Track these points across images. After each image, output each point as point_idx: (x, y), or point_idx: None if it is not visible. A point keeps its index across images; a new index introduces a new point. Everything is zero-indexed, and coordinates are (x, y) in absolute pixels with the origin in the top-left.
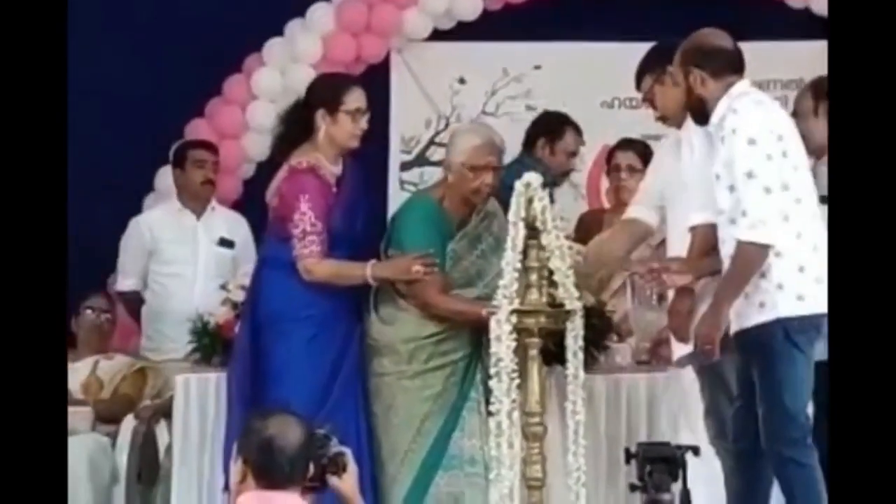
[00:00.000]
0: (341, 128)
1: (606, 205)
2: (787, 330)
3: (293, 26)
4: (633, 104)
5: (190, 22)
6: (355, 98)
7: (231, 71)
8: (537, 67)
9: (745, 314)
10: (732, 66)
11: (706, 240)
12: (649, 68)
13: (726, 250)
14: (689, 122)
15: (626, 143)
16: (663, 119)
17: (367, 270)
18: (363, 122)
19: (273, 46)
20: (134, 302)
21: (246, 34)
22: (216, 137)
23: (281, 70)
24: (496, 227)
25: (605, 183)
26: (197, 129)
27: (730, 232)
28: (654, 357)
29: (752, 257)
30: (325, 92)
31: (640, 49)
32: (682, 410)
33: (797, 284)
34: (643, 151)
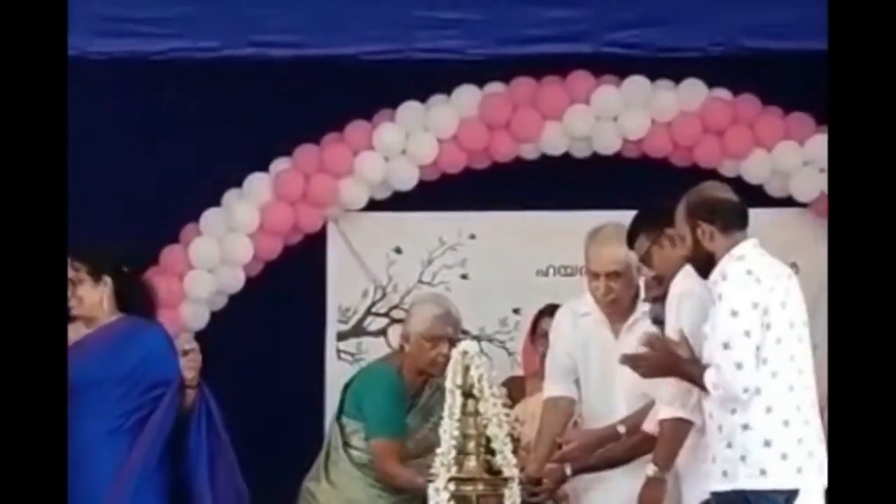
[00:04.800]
0: None
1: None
2: (750, 500)
3: (230, 196)
4: (568, 272)
5: (127, 191)
6: None
7: (168, 241)
8: (472, 237)
9: (709, 480)
10: (739, 221)
11: (676, 434)
12: (644, 229)
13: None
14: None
15: (550, 310)
16: (659, 280)
17: None
18: (71, 291)
19: (210, 216)
20: None
21: (183, 204)
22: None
23: (218, 240)
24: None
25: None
26: None
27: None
28: None
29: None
30: None
31: (574, 218)
32: None
33: (761, 459)
34: None
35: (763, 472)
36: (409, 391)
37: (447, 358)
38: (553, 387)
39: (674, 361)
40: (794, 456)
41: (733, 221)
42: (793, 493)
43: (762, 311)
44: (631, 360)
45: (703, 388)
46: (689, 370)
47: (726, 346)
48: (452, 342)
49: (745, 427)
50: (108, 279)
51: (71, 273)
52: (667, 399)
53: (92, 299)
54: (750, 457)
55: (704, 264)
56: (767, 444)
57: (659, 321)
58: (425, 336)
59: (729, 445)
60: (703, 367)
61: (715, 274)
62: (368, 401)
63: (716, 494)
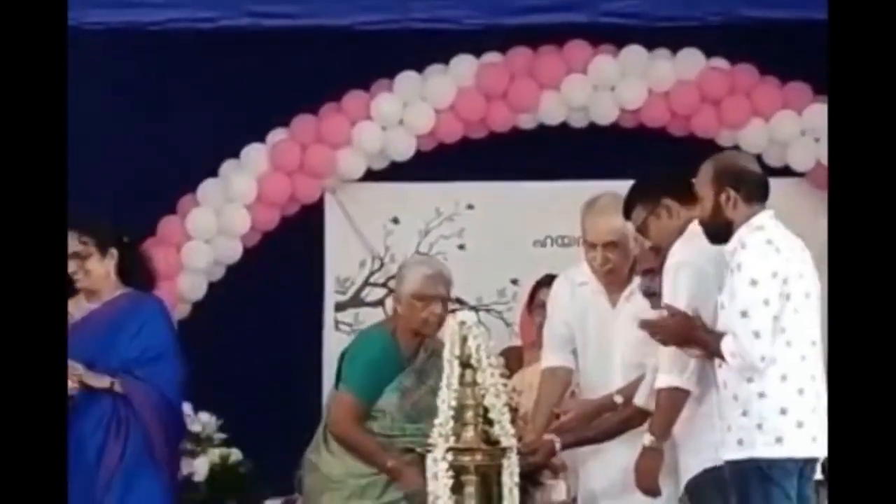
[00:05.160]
0: None
1: None
2: (763, 468)
3: (228, 167)
4: (565, 242)
5: (124, 163)
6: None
7: (165, 212)
8: (470, 207)
9: (724, 448)
10: (762, 193)
11: (673, 403)
12: (641, 199)
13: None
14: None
15: (548, 280)
16: (656, 250)
17: None
18: (81, 265)
19: (208, 187)
20: None
21: (180, 175)
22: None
23: (216, 211)
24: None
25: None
26: None
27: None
28: None
29: None
30: None
31: (572, 188)
32: None
33: (777, 427)
34: None
35: (779, 440)
36: (403, 353)
37: (440, 317)
38: (551, 357)
39: (691, 328)
40: (810, 424)
41: (757, 193)
42: (806, 462)
43: (781, 281)
44: (650, 326)
45: (719, 356)
46: (705, 338)
47: (744, 314)
48: (444, 302)
49: (761, 395)
50: (114, 252)
51: (79, 247)
52: (664, 368)
53: (98, 272)
54: (766, 424)
55: (721, 230)
56: (783, 412)
57: (650, 293)
58: (416, 296)
59: (744, 414)
60: (719, 336)
61: (733, 243)
62: (353, 368)
63: (730, 463)
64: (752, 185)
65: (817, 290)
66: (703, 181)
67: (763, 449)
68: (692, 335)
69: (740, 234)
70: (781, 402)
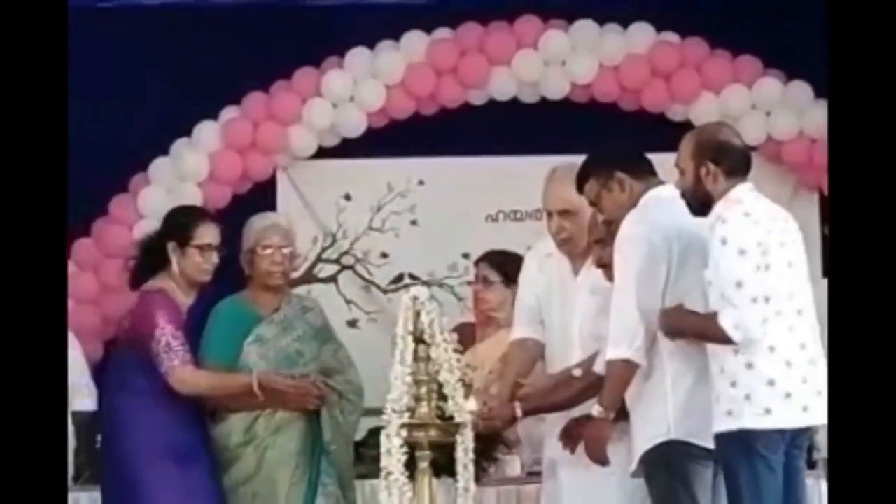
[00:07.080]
0: (190, 262)
1: None
2: (750, 440)
3: (179, 145)
4: (518, 217)
5: (75, 141)
6: (205, 233)
7: (117, 190)
8: (421, 183)
9: (714, 420)
10: (744, 167)
11: (621, 375)
12: (594, 173)
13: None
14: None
15: (485, 256)
16: (609, 223)
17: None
18: (214, 258)
19: (159, 165)
20: None
21: (132, 153)
22: (102, 257)
23: (167, 189)
24: (316, 319)
25: None
26: (83, 250)
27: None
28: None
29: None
30: (176, 225)
31: (523, 163)
32: None
33: (766, 398)
34: (501, 263)
35: (767, 412)
36: (261, 311)
37: (282, 267)
38: (519, 329)
39: (682, 318)
40: (799, 395)
41: (738, 167)
42: (798, 433)
43: (762, 252)
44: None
45: (717, 338)
46: (698, 323)
47: (739, 284)
48: (287, 253)
49: (749, 366)
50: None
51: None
52: (613, 340)
53: None
54: (754, 395)
55: (699, 203)
56: (771, 383)
57: (602, 264)
58: (255, 250)
59: (733, 385)
60: (713, 315)
61: (712, 217)
62: (206, 334)
63: (718, 435)
64: (735, 160)
65: (802, 259)
66: (683, 154)
67: (751, 420)
68: (685, 325)
69: (718, 209)
70: (769, 374)
